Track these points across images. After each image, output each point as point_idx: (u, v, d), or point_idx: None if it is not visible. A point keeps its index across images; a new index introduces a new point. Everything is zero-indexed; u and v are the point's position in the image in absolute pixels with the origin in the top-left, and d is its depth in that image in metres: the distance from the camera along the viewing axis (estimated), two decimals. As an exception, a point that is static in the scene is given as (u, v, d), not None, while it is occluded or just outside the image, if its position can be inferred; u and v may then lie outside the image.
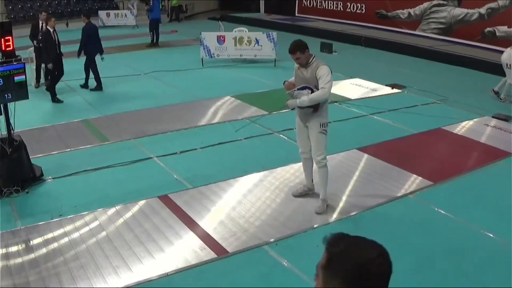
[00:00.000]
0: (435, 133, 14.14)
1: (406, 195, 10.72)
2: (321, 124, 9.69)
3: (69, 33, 32.95)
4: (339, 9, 33.51)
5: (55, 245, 9.21)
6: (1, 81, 11.01)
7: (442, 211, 10.01)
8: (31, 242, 9.36)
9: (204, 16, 44.42)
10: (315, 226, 9.55)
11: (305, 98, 9.38)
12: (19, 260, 8.85)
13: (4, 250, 9.13)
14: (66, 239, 9.36)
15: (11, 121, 11.56)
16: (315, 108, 9.49)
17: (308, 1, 36.29)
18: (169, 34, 34.34)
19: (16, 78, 11.21)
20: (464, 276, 8.16)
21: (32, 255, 8.96)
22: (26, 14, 30.44)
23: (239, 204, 10.45)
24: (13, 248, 9.17)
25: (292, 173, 11.80)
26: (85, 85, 20.25)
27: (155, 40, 30.33)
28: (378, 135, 13.89)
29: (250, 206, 10.34)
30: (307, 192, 10.51)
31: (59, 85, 19.60)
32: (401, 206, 10.30)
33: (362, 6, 31.71)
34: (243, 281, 8.07)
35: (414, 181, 11.28)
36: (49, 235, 9.52)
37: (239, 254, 8.77)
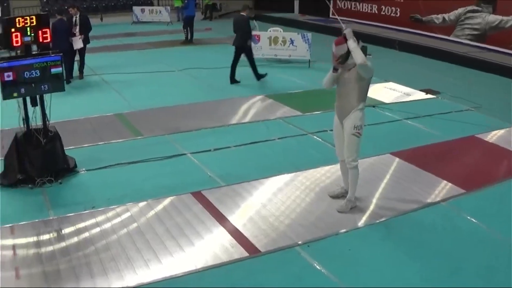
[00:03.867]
0: (468, 140, 13.98)
1: (439, 202, 10.57)
2: (355, 126, 9.61)
3: (103, 28, 33.22)
4: (373, 11, 33.28)
5: (86, 235, 9.30)
6: (38, 72, 11.09)
7: (474, 220, 9.86)
8: (62, 231, 9.46)
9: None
10: (347, 229, 9.47)
11: (353, 43, 9.27)
12: (50, 248, 8.95)
13: (35, 239, 9.23)
14: (98, 231, 9.45)
15: (47, 112, 11.63)
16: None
17: (343, 3, 36.13)
18: (203, 32, 34.32)
19: (53, 70, 11.28)
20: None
21: (63, 244, 9.06)
22: (62, 8, 30.54)
23: (271, 203, 10.43)
24: (45, 237, 9.28)
25: (322, 173, 11.75)
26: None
27: (189, 38, 30.31)
28: (411, 140, 13.76)
29: (281, 205, 10.32)
30: (343, 194, 10.43)
31: (93, 78, 19.75)
32: (433, 213, 10.16)
33: (397, 9, 31.48)
34: (273, 281, 8.03)
35: (446, 188, 11.14)
36: (81, 226, 9.61)
37: (271, 253, 8.74)
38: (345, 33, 9.37)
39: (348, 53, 9.37)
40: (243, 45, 19.99)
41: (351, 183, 10.03)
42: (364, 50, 9.79)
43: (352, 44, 9.25)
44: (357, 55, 9.16)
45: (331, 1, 36.51)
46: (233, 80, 20.32)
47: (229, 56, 23.45)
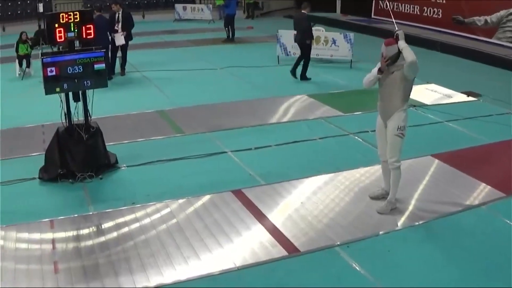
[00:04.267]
0: (509, 144, 13.75)
1: (478, 205, 10.41)
2: (399, 127, 9.54)
3: (145, 25, 33.37)
4: (415, 12, 32.97)
5: (126, 231, 9.35)
6: (81, 68, 11.14)
7: (515, 225, 9.75)
8: (102, 226, 9.53)
9: (279, 14, 44.30)
10: (386, 231, 9.38)
11: (404, 43, 9.32)
12: (89, 243, 9.02)
13: (75, 233, 9.31)
14: (137, 226, 9.49)
15: (89, 108, 11.68)
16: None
17: (385, 3, 35.91)
18: (245, 31, 34.30)
19: (96, 66, 11.34)
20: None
21: (102, 239, 9.14)
22: (102, 4, 30.76)
23: (310, 202, 10.37)
24: (84, 232, 9.36)
25: (362, 173, 11.66)
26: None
27: (231, 36, 30.31)
28: (452, 142, 13.58)
29: (320, 204, 10.27)
30: (383, 195, 10.33)
31: (134, 75, 19.85)
32: (472, 216, 10.01)
33: (439, 11, 31.14)
34: (313, 281, 7.98)
35: (486, 191, 10.96)
36: (121, 222, 9.67)
37: (310, 253, 8.69)
38: (397, 33, 9.34)
39: (398, 54, 9.37)
40: (302, 41, 20.20)
41: (393, 184, 9.94)
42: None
43: (403, 43, 9.27)
44: (408, 54, 9.16)
45: (373, 2, 36.33)
46: (302, 76, 20.58)
47: (270, 55, 23.50)
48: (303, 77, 20.44)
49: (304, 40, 20.12)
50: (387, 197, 10.12)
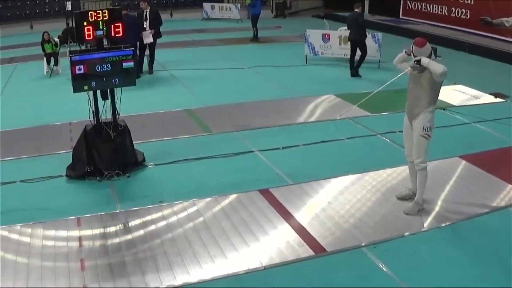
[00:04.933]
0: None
1: (505, 207, 10.27)
2: (424, 127, 9.49)
3: (173, 23, 33.45)
4: (443, 13, 32.75)
5: (153, 229, 9.36)
6: (110, 66, 11.16)
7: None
8: (129, 224, 9.55)
9: (307, 14, 44.24)
10: (413, 231, 9.30)
11: (426, 59, 9.22)
12: (116, 240, 9.05)
13: (102, 231, 9.35)
14: (164, 225, 9.49)
15: (117, 106, 11.70)
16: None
17: (413, 4, 35.74)
18: (272, 30, 34.29)
19: (124, 65, 11.34)
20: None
21: (129, 237, 9.16)
22: (130, 3, 30.90)
23: (337, 201, 10.32)
24: (111, 229, 9.40)
25: (389, 174, 11.57)
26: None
27: (256, 35, 30.31)
28: (480, 144, 13.42)
29: (347, 204, 10.22)
30: (410, 196, 10.25)
31: (162, 74, 19.87)
32: (499, 218, 9.86)
33: (467, 11, 30.89)
34: (340, 281, 7.93)
35: (513, 193, 10.91)
36: (148, 220, 9.68)
37: (337, 253, 8.63)
38: (420, 60, 9.32)
39: (431, 52, 9.38)
40: (357, 40, 20.82)
41: (419, 185, 9.87)
42: (434, 52, 9.68)
43: (425, 60, 9.22)
44: (435, 67, 9.13)
45: (401, 2, 36.19)
46: (354, 73, 21.10)
47: (298, 55, 23.46)
48: (355, 73, 20.94)
49: (359, 39, 20.76)
50: (414, 198, 10.05)
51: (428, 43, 9.37)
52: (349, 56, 22.00)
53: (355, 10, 21.16)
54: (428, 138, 9.58)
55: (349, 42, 21.69)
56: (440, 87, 9.59)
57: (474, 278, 8.01)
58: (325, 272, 8.17)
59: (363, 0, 21.24)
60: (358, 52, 21.07)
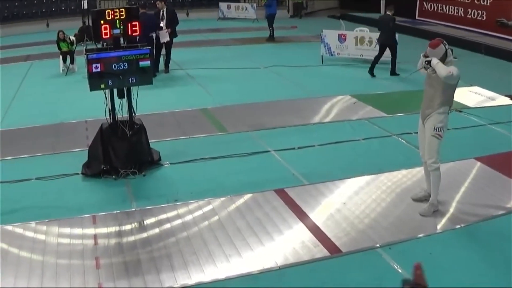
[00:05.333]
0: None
1: (521, 209, 10.29)
2: (436, 127, 9.51)
3: (189, 23, 33.47)
4: (459, 14, 32.63)
5: (168, 228, 9.38)
6: (126, 65, 11.18)
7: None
8: (144, 223, 9.56)
9: (323, 14, 44.21)
10: (428, 233, 9.27)
11: (436, 60, 9.26)
12: (131, 238, 9.06)
13: (117, 229, 9.37)
14: (179, 224, 9.50)
15: (133, 104, 11.72)
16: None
17: (429, 5, 35.63)
18: (288, 30, 34.30)
19: (141, 63, 11.37)
20: None
21: (144, 235, 9.17)
22: (147, 2, 30.92)
23: (352, 202, 10.30)
24: (127, 227, 9.42)
25: (404, 175, 11.51)
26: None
27: (272, 34, 30.34)
28: (495, 146, 13.31)
29: (361, 204, 10.20)
30: (426, 198, 10.20)
31: (178, 73, 19.89)
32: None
33: (483, 13, 30.75)
34: (355, 282, 7.91)
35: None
36: (163, 218, 9.69)
37: (352, 254, 8.62)
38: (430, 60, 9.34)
39: (446, 53, 9.37)
40: (387, 42, 20.90)
41: (433, 186, 9.85)
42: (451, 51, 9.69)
43: (434, 61, 9.24)
44: (441, 70, 9.14)
45: (417, 3, 36.10)
46: (391, 72, 21.27)
47: (314, 55, 23.43)
48: (393, 73, 21.22)
49: (390, 40, 20.87)
50: (429, 199, 10.04)
51: (442, 45, 9.34)
52: (365, 57, 22.02)
53: (387, 12, 21.39)
54: (439, 138, 9.58)
55: (367, 43, 21.79)
56: (454, 89, 9.57)
57: (489, 280, 7.96)
58: (340, 272, 8.17)
59: (395, 3, 21.21)
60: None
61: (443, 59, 9.29)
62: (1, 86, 18.86)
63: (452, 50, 9.80)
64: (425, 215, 9.78)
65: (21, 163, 12.15)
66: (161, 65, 21.15)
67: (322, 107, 16.62)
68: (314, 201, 10.28)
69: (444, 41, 9.47)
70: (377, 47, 22.17)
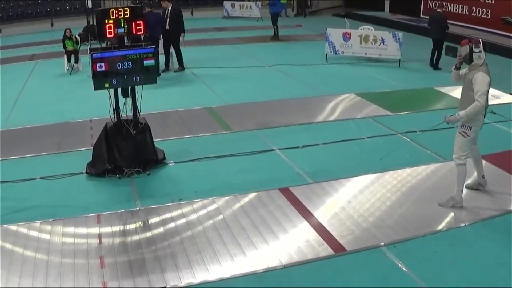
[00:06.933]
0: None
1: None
2: (463, 125, 9.75)
3: (193, 22, 33.45)
4: (464, 12, 32.56)
5: (173, 227, 9.37)
6: (131, 64, 11.17)
7: None
8: (149, 222, 9.56)
9: (328, 13, 44.20)
10: (433, 231, 9.25)
11: (463, 113, 9.55)
12: (136, 238, 9.07)
13: (121, 228, 9.37)
14: (184, 223, 9.49)
15: (138, 104, 11.72)
16: None
17: (434, 3, 35.57)
18: (293, 28, 34.30)
19: (146, 62, 11.36)
20: None
21: (149, 234, 9.18)
22: (151, 0, 30.92)
23: (357, 200, 10.29)
24: (131, 227, 9.42)
25: (409, 173, 11.51)
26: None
27: (277, 33, 30.33)
28: (500, 144, 13.23)
29: (366, 203, 10.19)
30: (477, 187, 10.67)
31: (183, 72, 19.88)
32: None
33: (488, 11, 30.69)
34: (360, 281, 7.89)
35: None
36: (168, 218, 9.69)
37: (357, 253, 8.60)
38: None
39: (470, 54, 9.67)
40: (439, 37, 21.76)
41: (456, 181, 10.00)
42: (454, 51, 9.81)
43: (462, 113, 9.63)
44: (469, 116, 9.59)
45: (422, 1, 36.08)
46: (435, 67, 21.95)
47: (318, 53, 23.42)
48: (437, 67, 21.87)
49: (442, 36, 21.69)
50: (481, 188, 10.48)
51: (467, 46, 9.75)
52: (370, 55, 22.12)
53: (438, 10, 23.04)
54: (465, 135, 9.80)
55: (371, 42, 21.96)
56: (487, 94, 9.72)
57: (495, 278, 7.94)
58: (344, 271, 8.15)
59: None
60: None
61: (468, 60, 9.69)
62: (6, 86, 18.91)
63: (457, 49, 9.87)
64: (442, 206, 9.98)
65: (25, 163, 12.16)
66: (161, 65, 21.07)
67: (327, 106, 16.62)
68: (319, 200, 10.27)
69: (475, 44, 9.78)
70: (381, 45, 22.29)
